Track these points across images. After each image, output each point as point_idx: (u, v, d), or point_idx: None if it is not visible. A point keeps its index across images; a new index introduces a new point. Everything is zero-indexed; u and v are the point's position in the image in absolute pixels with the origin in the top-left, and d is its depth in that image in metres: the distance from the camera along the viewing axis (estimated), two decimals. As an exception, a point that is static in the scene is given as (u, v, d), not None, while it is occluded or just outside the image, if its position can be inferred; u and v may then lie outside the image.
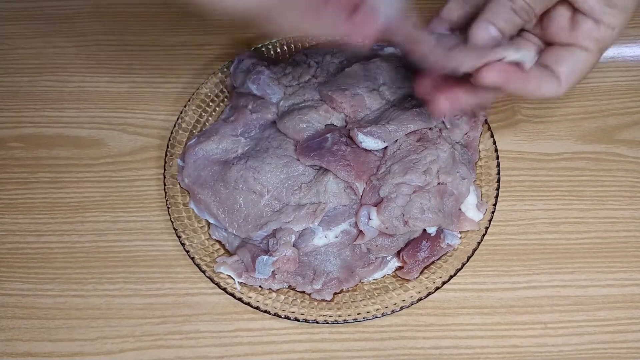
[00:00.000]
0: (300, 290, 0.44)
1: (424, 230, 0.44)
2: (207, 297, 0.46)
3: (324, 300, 0.44)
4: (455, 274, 0.44)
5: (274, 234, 0.44)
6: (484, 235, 0.45)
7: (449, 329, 0.44)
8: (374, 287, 0.45)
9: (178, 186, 0.48)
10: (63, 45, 0.58)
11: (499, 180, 0.47)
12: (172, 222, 0.46)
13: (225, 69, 0.53)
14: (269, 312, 0.43)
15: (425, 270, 0.45)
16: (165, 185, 0.48)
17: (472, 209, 0.46)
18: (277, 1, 0.32)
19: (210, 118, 0.52)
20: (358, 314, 0.43)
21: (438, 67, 0.38)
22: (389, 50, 0.50)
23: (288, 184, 0.44)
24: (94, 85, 0.56)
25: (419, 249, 0.44)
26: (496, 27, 0.38)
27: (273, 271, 0.43)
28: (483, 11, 0.38)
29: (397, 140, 0.45)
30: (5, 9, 0.60)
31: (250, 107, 0.48)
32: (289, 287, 0.45)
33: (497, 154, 0.48)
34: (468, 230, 0.46)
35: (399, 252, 0.45)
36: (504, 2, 0.38)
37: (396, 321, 0.45)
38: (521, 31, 0.41)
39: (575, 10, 0.39)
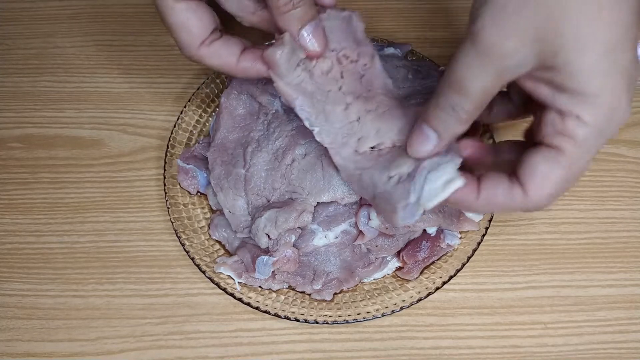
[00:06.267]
0: (300, 290, 0.44)
1: (424, 230, 0.45)
2: (207, 297, 0.46)
3: (324, 301, 0.44)
4: (455, 274, 0.44)
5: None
6: (483, 235, 0.45)
7: (449, 329, 0.44)
8: (374, 287, 0.45)
9: (178, 186, 0.48)
10: (63, 45, 0.58)
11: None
12: (172, 222, 0.46)
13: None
14: (269, 313, 0.43)
15: (425, 271, 0.45)
16: (165, 185, 0.48)
17: (472, 209, 0.46)
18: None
19: (210, 118, 0.52)
20: (358, 314, 0.43)
21: None
22: (389, 50, 0.50)
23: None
24: (93, 86, 0.56)
25: (419, 249, 0.44)
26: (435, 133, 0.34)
27: (273, 271, 0.43)
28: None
29: (396, 140, 0.45)
30: (5, 9, 0.60)
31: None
32: (289, 287, 0.45)
33: (497, 154, 0.48)
34: (468, 231, 0.46)
35: (399, 253, 0.45)
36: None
37: (396, 321, 0.45)
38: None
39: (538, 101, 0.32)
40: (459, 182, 0.33)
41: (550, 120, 0.31)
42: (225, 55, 0.40)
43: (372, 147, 0.39)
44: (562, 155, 0.31)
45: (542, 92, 0.31)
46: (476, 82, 0.30)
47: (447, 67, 0.32)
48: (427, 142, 0.34)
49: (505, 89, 0.38)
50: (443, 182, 0.34)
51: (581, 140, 0.30)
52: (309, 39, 0.38)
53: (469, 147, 0.36)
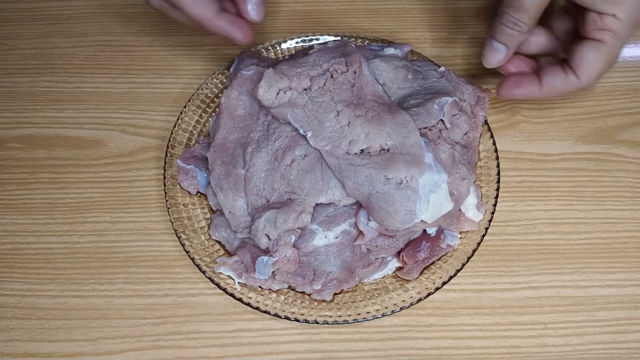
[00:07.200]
0: (300, 290, 0.44)
1: (424, 230, 0.45)
2: (207, 297, 0.46)
3: (324, 301, 0.44)
4: (455, 275, 0.44)
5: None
6: (483, 235, 0.45)
7: (449, 329, 0.44)
8: (374, 287, 0.45)
9: (178, 186, 0.48)
10: (63, 45, 0.58)
11: (498, 181, 0.47)
12: (172, 222, 0.46)
13: (225, 69, 0.53)
14: (269, 313, 0.43)
15: (425, 271, 0.45)
16: (165, 185, 0.48)
17: (472, 210, 0.46)
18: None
19: (210, 118, 0.52)
20: (358, 314, 0.43)
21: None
22: (389, 50, 0.50)
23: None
24: (93, 86, 0.56)
25: (418, 250, 0.44)
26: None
27: (273, 272, 0.43)
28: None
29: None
30: (5, 10, 0.60)
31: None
32: (289, 287, 0.45)
33: (497, 154, 0.48)
34: (468, 231, 0.46)
35: (399, 253, 0.45)
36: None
37: (396, 322, 0.45)
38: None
39: (580, 6, 0.42)
40: (450, 206, 0.42)
41: (592, 20, 0.42)
42: (204, 6, 0.42)
43: (362, 150, 0.42)
44: (604, 45, 0.42)
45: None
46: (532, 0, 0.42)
47: None
48: (498, 53, 0.45)
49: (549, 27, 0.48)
50: (440, 204, 0.42)
51: (617, 31, 0.41)
52: (252, 7, 0.43)
53: (514, 63, 0.47)
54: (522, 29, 0.43)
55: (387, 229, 0.42)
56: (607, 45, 0.42)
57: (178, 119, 0.51)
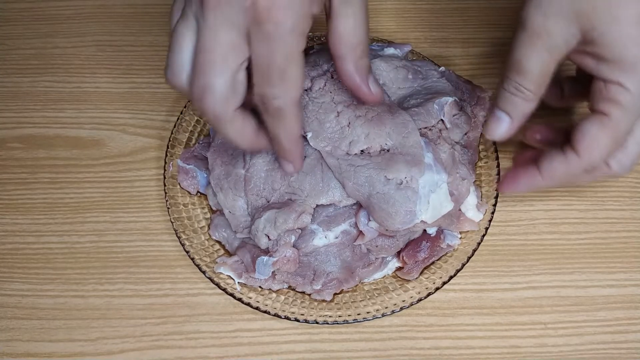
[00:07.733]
0: (300, 290, 0.45)
1: (424, 230, 0.45)
2: (207, 297, 0.46)
3: (324, 301, 0.44)
4: (455, 275, 0.44)
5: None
6: (483, 235, 0.45)
7: (449, 329, 0.44)
8: (374, 287, 0.45)
9: (178, 186, 0.48)
10: (63, 45, 0.58)
11: (498, 181, 0.47)
12: (172, 222, 0.46)
13: (225, 70, 0.53)
14: (269, 313, 0.43)
15: (425, 271, 0.45)
16: (165, 185, 0.48)
17: (472, 210, 0.46)
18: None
19: (210, 118, 0.52)
20: (358, 314, 0.43)
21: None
22: (389, 50, 0.50)
23: None
24: (93, 86, 0.56)
25: (419, 250, 0.44)
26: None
27: (273, 272, 0.43)
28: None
29: (396, 140, 0.45)
30: (5, 10, 0.60)
31: None
32: (289, 287, 0.45)
33: (497, 154, 0.48)
34: (468, 231, 0.46)
35: (399, 253, 0.45)
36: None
37: (396, 321, 0.45)
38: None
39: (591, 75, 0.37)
40: (450, 206, 0.42)
41: (597, 89, 0.36)
42: (249, 124, 0.36)
43: (362, 151, 0.42)
44: (608, 119, 0.35)
45: (588, 64, 0.36)
46: (532, 61, 0.36)
47: (508, 53, 0.37)
48: (501, 124, 0.39)
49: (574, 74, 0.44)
50: (440, 204, 0.41)
51: (624, 104, 0.35)
52: (373, 86, 0.38)
53: (541, 132, 0.43)
54: (526, 97, 0.37)
55: (387, 229, 0.42)
56: (612, 119, 0.35)
57: (178, 118, 0.51)
